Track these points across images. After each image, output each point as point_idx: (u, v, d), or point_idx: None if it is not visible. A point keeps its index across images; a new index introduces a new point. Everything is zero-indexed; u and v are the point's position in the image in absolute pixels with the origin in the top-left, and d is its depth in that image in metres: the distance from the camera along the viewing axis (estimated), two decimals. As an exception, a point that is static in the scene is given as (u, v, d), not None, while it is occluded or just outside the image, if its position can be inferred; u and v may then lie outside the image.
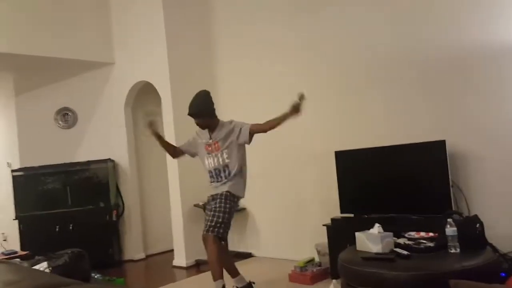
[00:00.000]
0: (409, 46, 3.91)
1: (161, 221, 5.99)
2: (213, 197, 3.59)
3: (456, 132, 3.65)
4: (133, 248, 5.70)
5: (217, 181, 3.59)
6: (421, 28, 3.84)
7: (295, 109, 3.33)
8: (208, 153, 3.62)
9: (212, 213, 3.45)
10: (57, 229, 5.30)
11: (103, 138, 5.90)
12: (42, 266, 3.44)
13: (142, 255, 5.74)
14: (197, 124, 3.65)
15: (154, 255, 5.88)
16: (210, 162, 3.61)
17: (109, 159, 5.65)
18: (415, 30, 3.87)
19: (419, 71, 3.86)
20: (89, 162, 5.59)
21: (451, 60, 3.68)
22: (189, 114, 3.61)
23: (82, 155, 5.87)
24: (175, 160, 5.06)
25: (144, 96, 5.92)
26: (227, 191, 3.52)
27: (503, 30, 3.41)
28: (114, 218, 5.53)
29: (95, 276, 3.96)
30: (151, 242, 5.96)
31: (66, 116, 6.00)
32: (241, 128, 3.57)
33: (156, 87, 5.29)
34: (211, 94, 3.69)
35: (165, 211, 5.70)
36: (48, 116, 5.99)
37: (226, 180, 3.55)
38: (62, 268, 3.46)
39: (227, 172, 3.56)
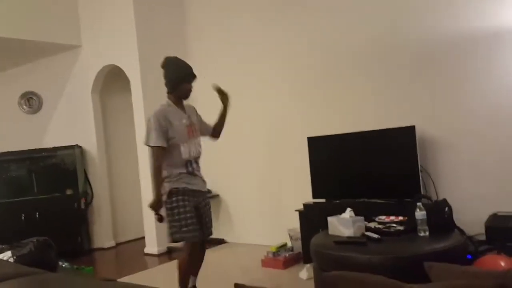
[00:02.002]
0: (379, 36, 3.93)
1: (132, 209, 5.89)
2: (199, 194, 3.08)
3: (425, 118, 3.71)
4: (102, 236, 5.59)
5: (197, 173, 3.10)
6: (393, 17, 3.85)
7: (223, 96, 3.20)
8: (189, 138, 3.01)
9: (208, 215, 3.16)
10: (22, 218, 5.13)
11: (70, 124, 5.71)
12: (6, 255, 3.31)
13: (112, 243, 5.64)
14: (187, 93, 3.07)
15: (125, 243, 5.79)
16: (192, 150, 3.03)
17: (77, 145, 5.48)
18: (386, 19, 3.89)
19: (390, 59, 3.89)
20: (55, 149, 5.41)
21: (421, 48, 3.72)
22: (191, 75, 3.05)
23: (48, 141, 5.68)
24: (145, 146, 4.96)
25: (112, 80, 5.76)
26: (207, 191, 3.26)
27: (473, 19, 3.46)
28: (82, 206, 5.40)
29: (63, 265, 3.86)
30: (121, 229, 5.86)
31: (31, 101, 5.78)
32: (202, 119, 3.28)
33: (125, 71, 5.14)
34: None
35: (136, 198, 5.60)
36: (11, 101, 5.75)
37: (200, 173, 3.15)
38: (27, 257, 3.34)
39: (198, 163, 3.15)
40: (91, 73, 5.49)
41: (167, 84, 3.06)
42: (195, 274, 3.21)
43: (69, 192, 5.35)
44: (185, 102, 3.15)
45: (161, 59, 5.14)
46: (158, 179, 2.94)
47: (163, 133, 2.91)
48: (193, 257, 3.03)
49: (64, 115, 5.75)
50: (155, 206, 2.95)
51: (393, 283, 1.01)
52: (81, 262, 4.69)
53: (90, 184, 5.58)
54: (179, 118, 3.02)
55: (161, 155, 2.93)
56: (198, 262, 3.20)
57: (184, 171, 3.00)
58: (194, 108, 3.25)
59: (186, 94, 3.08)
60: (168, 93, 3.08)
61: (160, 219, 3.01)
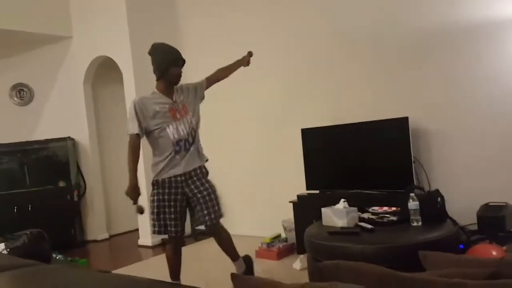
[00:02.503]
0: (371, 26, 3.93)
1: (125, 200, 5.83)
2: (189, 176, 2.96)
3: (419, 109, 3.72)
4: (96, 228, 5.57)
5: (185, 151, 2.94)
6: (384, 7, 3.85)
7: (246, 61, 3.38)
8: (174, 120, 2.91)
9: (207, 198, 2.96)
10: (15, 210, 5.10)
11: (62, 116, 5.66)
12: (0, 247, 3.30)
13: (105, 235, 5.63)
14: (176, 77, 2.99)
15: (118, 235, 5.79)
16: (181, 130, 2.91)
17: (69, 137, 5.45)
18: (378, 10, 3.88)
19: (382, 50, 3.89)
20: (47, 141, 5.37)
21: (415, 39, 3.72)
22: (179, 59, 2.99)
23: (40, 133, 5.64)
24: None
25: (104, 71, 5.71)
26: (202, 166, 3.06)
27: (468, 9, 3.47)
28: (75, 198, 5.38)
29: (57, 257, 3.85)
30: (115, 221, 5.85)
31: (22, 93, 5.72)
32: (196, 83, 3.16)
33: (117, 62, 5.10)
34: None
35: (129, 190, 5.59)
36: (2, 93, 5.69)
37: (192, 149, 2.99)
38: (20, 249, 3.33)
39: (192, 137, 2.98)
40: (83, 64, 5.44)
41: (155, 70, 2.99)
42: (234, 258, 3.20)
43: (61, 184, 5.33)
44: (179, 84, 3.07)
45: (153, 50, 5.12)
46: (130, 166, 2.96)
47: (138, 121, 2.87)
48: (174, 250, 3.07)
49: (55, 107, 5.70)
50: (130, 193, 2.97)
51: (387, 271, 1.02)
52: (74, 254, 4.69)
53: (82, 176, 5.55)
54: (160, 104, 2.93)
55: (135, 141, 2.93)
56: (225, 248, 3.18)
57: (172, 153, 2.92)
58: (189, 85, 3.13)
59: (176, 78, 2.99)
60: (157, 80, 3.01)
61: (140, 210, 2.98)
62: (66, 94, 5.62)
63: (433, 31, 3.63)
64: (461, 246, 2.94)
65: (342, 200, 3.11)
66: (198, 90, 3.13)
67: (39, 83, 5.69)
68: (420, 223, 2.83)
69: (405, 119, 3.51)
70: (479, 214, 3.18)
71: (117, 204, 5.90)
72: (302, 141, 4.10)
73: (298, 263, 3.58)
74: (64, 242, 5.12)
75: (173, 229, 2.95)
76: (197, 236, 5.08)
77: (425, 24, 3.66)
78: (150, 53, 3.04)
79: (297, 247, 3.95)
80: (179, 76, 3.00)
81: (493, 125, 3.40)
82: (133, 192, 2.94)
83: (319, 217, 3.23)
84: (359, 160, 3.79)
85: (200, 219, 3.01)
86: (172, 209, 2.95)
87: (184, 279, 3.13)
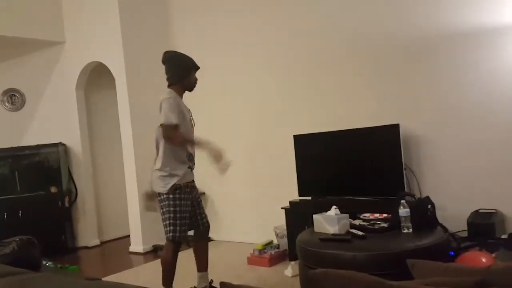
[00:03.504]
0: (363, 33, 3.96)
1: (117, 207, 5.84)
2: (193, 186, 3.13)
3: (410, 116, 3.75)
4: (87, 234, 5.53)
5: (192, 167, 3.13)
6: (374, 14, 3.88)
7: (216, 158, 3.01)
8: (191, 132, 3.10)
9: (201, 207, 3.19)
10: (5, 216, 5.05)
11: (53, 121, 5.64)
12: (-12, 255, 3.25)
13: (97, 242, 5.59)
14: (195, 83, 3.11)
15: (110, 241, 5.75)
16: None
17: (60, 143, 5.42)
18: (368, 16, 3.92)
19: (374, 57, 3.92)
20: (39, 146, 5.34)
21: (405, 46, 3.76)
22: (196, 65, 3.10)
23: (31, 139, 5.60)
24: (131, 144, 4.93)
25: (97, 77, 5.70)
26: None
27: (452, 17, 3.51)
28: (66, 204, 5.35)
29: (47, 264, 3.80)
30: (106, 228, 5.81)
31: (14, 98, 5.68)
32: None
33: (110, 68, 5.09)
34: None
35: (121, 196, 5.56)
36: (-7, 98, 5.65)
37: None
38: (9, 256, 3.28)
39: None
40: (75, 70, 5.42)
41: (172, 77, 3.03)
42: (203, 269, 3.21)
43: (53, 190, 5.29)
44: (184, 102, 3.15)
45: (146, 56, 5.14)
46: (188, 139, 2.97)
47: (176, 113, 2.89)
48: (176, 255, 3.02)
49: (47, 112, 5.67)
50: (215, 150, 2.93)
51: (376, 280, 1.02)
52: (65, 261, 4.64)
53: (74, 182, 5.52)
54: (187, 111, 3.07)
55: (177, 130, 2.90)
56: (203, 255, 3.22)
57: (186, 165, 3.02)
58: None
59: (193, 84, 3.10)
60: (170, 85, 3.05)
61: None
62: (58, 99, 5.60)
63: (424, 39, 3.66)
64: (452, 253, 2.96)
65: (334, 207, 3.11)
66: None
67: (31, 88, 5.67)
68: (410, 230, 2.84)
69: (396, 126, 3.53)
70: (469, 221, 3.20)
71: (109, 210, 5.87)
72: (295, 147, 4.11)
73: (290, 270, 3.58)
74: (55, 248, 5.08)
75: (184, 234, 2.98)
76: (189, 242, 5.06)
77: (417, 32, 3.70)
78: (165, 61, 3.08)
79: (289, 254, 3.95)
80: (196, 82, 3.11)
81: (483, 133, 3.44)
82: (216, 152, 2.97)
83: (311, 223, 3.24)
84: (351, 166, 3.81)
85: (199, 222, 3.17)
86: (188, 214, 3.03)
87: (174, 286, 3.11)
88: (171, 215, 2.92)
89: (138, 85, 5.03)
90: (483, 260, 2.62)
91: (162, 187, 2.95)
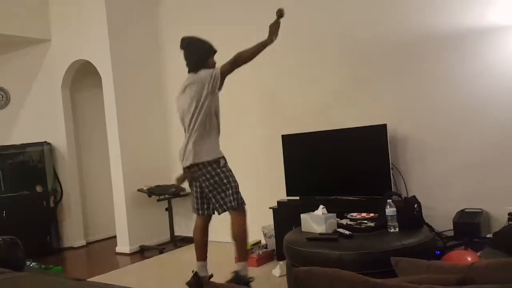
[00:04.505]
0: (351, 33, 3.97)
1: (103, 207, 5.79)
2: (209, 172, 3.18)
3: (397, 116, 3.77)
4: (73, 235, 5.47)
5: None
6: (362, 14, 3.90)
7: (275, 30, 2.97)
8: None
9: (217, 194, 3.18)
10: (-12, 217, 4.97)
11: (39, 120, 5.56)
12: (-30, 255, 3.19)
13: (82, 242, 5.52)
14: (215, 65, 3.15)
15: (96, 242, 5.69)
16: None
17: (46, 142, 5.34)
18: (356, 16, 3.93)
19: (362, 58, 3.94)
20: (23, 145, 5.26)
21: (392, 48, 3.78)
22: (215, 49, 3.16)
23: (16, 138, 5.52)
24: (117, 143, 4.88)
25: (83, 75, 5.64)
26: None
27: (441, 17, 3.54)
28: (52, 204, 5.27)
29: (30, 265, 3.75)
30: (92, 228, 5.75)
31: (-2, 96, 5.59)
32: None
33: (96, 66, 5.04)
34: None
35: (107, 196, 5.52)
36: (-24, 96, 5.56)
37: None
38: (-8, 257, 3.23)
39: None
40: (61, 68, 5.36)
41: (193, 62, 3.05)
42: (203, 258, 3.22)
43: (38, 189, 5.21)
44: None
45: (134, 54, 5.10)
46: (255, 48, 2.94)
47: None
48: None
49: (32, 111, 5.60)
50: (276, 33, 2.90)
51: (359, 277, 1.02)
52: (50, 261, 4.59)
53: (59, 182, 5.45)
54: None
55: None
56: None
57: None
58: None
59: (213, 67, 3.10)
60: (190, 71, 3.08)
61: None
62: (44, 98, 5.52)
63: (411, 40, 3.69)
64: (438, 252, 2.98)
65: (321, 206, 3.11)
66: None
67: (15, 86, 5.59)
68: (397, 229, 2.85)
69: (384, 126, 3.55)
70: (455, 221, 3.22)
71: (95, 211, 5.81)
72: (283, 147, 4.11)
73: (278, 269, 3.57)
74: (40, 249, 5.02)
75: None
76: (177, 242, 5.04)
77: (404, 34, 3.72)
78: (184, 47, 3.09)
79: (277, 254, 3.94)
80: (214, 66, 3.11)
81: (470, 133, 3.47)
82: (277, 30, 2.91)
83: (299, 223, 3.23)
84: (339, 166, 3.82)
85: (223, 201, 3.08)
86: None
87: (162, 286, 3.08)
88: (233, 181, 3.00)
89: (125, 84, 4.99)
90: (468, 259, 2.64)
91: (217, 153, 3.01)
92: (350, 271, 1.13)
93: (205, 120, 3.01)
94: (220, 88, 3.05)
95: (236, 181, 3.04)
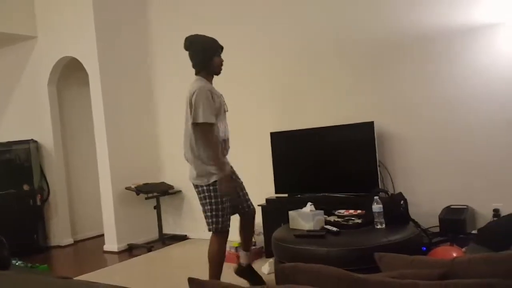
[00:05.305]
0: (338, 31, 3.99)
1: (91, 205, 5.74)
2: (234, 172, 3.15)
3: (384, 114, 3.80)
4: (60, 233, 5.42)
5: (226, 154, 3.06)
6: (350, 12, 3.92)
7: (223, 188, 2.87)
8: (224, 117, 3.00)
9: (244, 189, 3.18)
10: (-27, 216, 4.91)
11: (25, 118, 5.50)
12: (-46, 254, 3.15)
13: (70, 241, 5.48)
14: (220, 66, 2.98)
15: (84, 240, 5.64)
16: (227, 129, 3.01)
17: (32, 139, 5.28)
18: (344, 14, 3.95)
19: (349, 55, 3.95)
20: (10, 143, 5.19)
21: (379, 44, 3.80)
22: (220, 47, 2.99)
23: (2, 136, 5.46)
24: (105, 141, 4.85)
25: (70, 72, 5.58)
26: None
27: (428, 15, 3.57)
28: (38, 203, 5.22)
29: (16, 264, 3.71)
30: (80, 227, 5.70)
31: (-17, 93, 5.52)
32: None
33: (83, 63, 4.99)
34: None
35: (95, 194, 5.48)
36: (-39, 93, 5.48)
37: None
38: (-23, 256, 3.19)
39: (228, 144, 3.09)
40: (47, 65, 5.29)
41: (197, 63, 2.93)
42: (247, 248, 3.24)
43: (24, 188, 5.15)
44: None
45: (121, 51, 5.07)
46: (221, 156, 2.86)
47: (212, 108, 2.79)
48: (224, 247, 3.01)
49: (19, 108, 5.53)
50: (228, 185, 2.82)
51: (343, 273, 1.03)
52: (37, 260, 4.54)
53: (46, 180, 5.39)
54: (218, 96, 2.94)
55: (214, 131, 2.81)
56: (247, 236, 3.23)
57: (223, 151, 2.95)
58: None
59: (219, 68, 2.96)
60: (197, 73, 2.94)
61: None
62: (30, 95, 5.46)
63: (399, 36, 3.71)
64: (424, 248, 3.01)
65: (309, 203, 3.13)
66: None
67: (1, 84, 5.51)
68: (383, 226, 2.88)
69: (371, 124, 3.57)
70: (441, 217, 3.26)
71: (82, 209, 5.76)
72: (271, 145, 4.12)
73: (267, 267, 3.58)
74: (27, 248, 4.98)
75: (229, 222, 3.01)
76: (165, 240, 5.02)
77: (390, 32, 3.74)
78: (187, 47, 2.96)
79: (266, 251, 3.95)
80: (222, 64, 2.97)
81: (455, 130, 3.51)
82: (229, 185, 2.85)
83: (287, 220, 3.24)
84: (327, 163, 3.84)
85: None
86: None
87: (150, 285, 3.07)
88: (209, 206, 2.95)
89: (113, 81, 4.95)
90: (454, 254, 2.68)
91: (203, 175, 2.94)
92: (336, 267, 1.14)
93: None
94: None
95: (217, 208, 2.90)
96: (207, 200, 2.88)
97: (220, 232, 2.93)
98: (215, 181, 2.84)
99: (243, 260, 3.27)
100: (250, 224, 3.24)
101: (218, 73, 3.00)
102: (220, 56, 2.97)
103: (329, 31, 4.06)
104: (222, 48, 3.00)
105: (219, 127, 2.89)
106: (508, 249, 2.12)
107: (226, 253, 3.96)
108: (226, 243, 3.01)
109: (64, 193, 5.47)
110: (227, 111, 3.10)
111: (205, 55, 2.90)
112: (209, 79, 2.96)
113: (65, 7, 5.08)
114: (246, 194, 3.18)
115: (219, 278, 2.97)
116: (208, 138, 2.80)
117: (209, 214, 2.90)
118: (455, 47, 3.47)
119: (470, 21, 3.40)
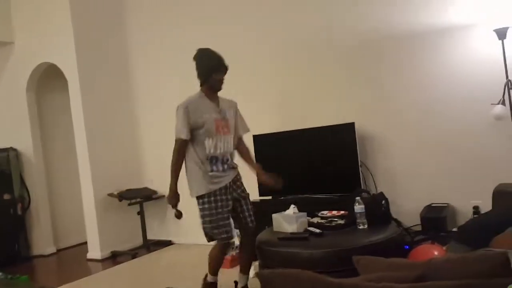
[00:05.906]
0: (317, 34, 4.01)
1: (73, 213, 5.66)
2: (230, 185, 2.97)
3: (364, 115, 3.83)
4: (42, 242, 5.32)
5: (223, 170, 2.93)
6: (331, 14, 3.94)
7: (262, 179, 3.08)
8: (217, 134, 2.90)
9: (249, 205, 3.06)
10: (-48, 226, 4.79)
11: (3, 125, 5.39)
12: None
13: (53, 249, 5.38)
14: (219, 84, 2.96)
15: (66, 248, 5.55)
16: (219, 146, 2.91)
17: (11, 147, 5.19)
18: (325, 17, 3.97)
19: (329, 58, 3.98)
20: (-13, 152, 5.09)
21: (361, 46, 3.83)
22: (222, 66, 2.95)
23: (-21, 144, 5.34)
24: (85, 148, 4.79)
25: (49, 79, 5.50)
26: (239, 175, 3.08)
27: (411, 16, 3.61)
28: (19, 212, 5.12)
29: (-4, 275, 3.63)
30: (62, 235, 5.61)
31: (-41, 101, 5.40)
32: (237, 109, 3.13)
33: (62, 69, 4.92)
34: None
35: (77, 202, 5.39)
36: None
37: (232, 166, 3.03)
38: (-46, 269, 3.12)
39: (227, 161, 2.99)
40: (26, 71, 5.20)
41: (199, 76, 2.97)
42: (245, 271, 3.13)
43: (4, 197, 5.05)
44: (225, 97, 3.07)
45: (100, 56, 5.01)
46: (176, 174, 2.90)
47: (188, 124, 2.82)
48: (223, 255, 2.99)
49: (-4, 116, 5.42)
50: (171, 199, 2.93)
51: (319, 277, 1.03)
52: (19, 271, 4.44)
53: (27, 188, 5.29)
54: (209, 111, 2.91)
55: (183, 148, 2.86)
56: (246, 256, 3.10)
57: (209, 169, 2.88)
58: (235, 104, 3.14)
59: (218, 85, 2.97)
60: (200, 85, 2.99)
61: (178, 215, 3.05)
62: (8, 102, 5.36)
63: (381, 37, 3.75)
64: (406, 246, 3.04)
65: (292, 206, 3.13)
66: (238, 115, 3.16)
67: (-23, 91, 5.40)
68: (366, 226, 2.90)
69: (352, 125, 3.60)
70: (422, 215, 3.30)
71: (65, 217, 5.67)
72: (254, 147, 4.11)
73: (252, 270, 3.56)
74: (8, 258, 4.88)
75: (229, 232, 2.95)
76: (150, 246, 4.98)
77: (368, 33, 3.78)
78: (195, 58, 3.00)
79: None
80: (221, 83, 2.98)
81: (434, 130, 3.55)
82: (174, 199, 2.95)
83: (271, 223, 3.24)
84: (309, 165, 3.85)
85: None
86: (227, 211, 2.97)
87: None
88: (202, 218, 3.00)
89: (92, 87, 4.89)
90: (435, 253, 2.71)
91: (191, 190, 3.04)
92: (313, 272, 1.14)
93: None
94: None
95: (210, 220, 2.90)
96: (200, 212, 2.96)
97: (217, 240, 2.92)
98: (204, 194, 2.89)
99: (241, 284, 3.16)
100: (250, 243, 3.07)
101: (217, 90, 3.01)
102: (220, 75, 2.97)
103: (308, 34, 4.08)
104: (226, 67, 3.00)
105: (206, 143, 2.88)
106: (487, 246, 2.15)
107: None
108: (226, 250, 3.01)
109: (46, 201, 5.38)
110: (225, 130, 2.99)
111: (204, 70, 2.95)
112: (209, 93, 2.98)
113: (42, 13, 5.00)
114: (251, 209, 3.05)
115: (216, 274, 2.99)
116: (174, 150, 2.89)
117: (203, 225, 2.95)
118: (429, 48, 3.52)
119: (445, 22, 3.45)
